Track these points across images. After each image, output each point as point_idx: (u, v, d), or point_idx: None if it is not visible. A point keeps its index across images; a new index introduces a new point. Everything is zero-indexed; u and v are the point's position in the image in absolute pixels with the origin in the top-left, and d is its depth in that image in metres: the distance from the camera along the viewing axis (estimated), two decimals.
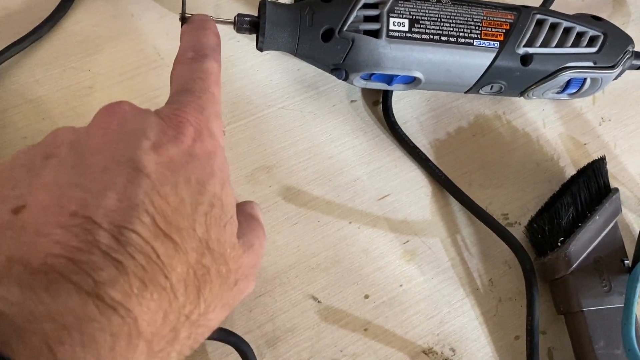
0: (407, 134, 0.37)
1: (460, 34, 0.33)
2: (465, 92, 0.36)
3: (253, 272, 0.24)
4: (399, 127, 0.37)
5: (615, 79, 0.37)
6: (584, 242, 0.32)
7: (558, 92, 0.37)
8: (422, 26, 0.32)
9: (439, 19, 0.33)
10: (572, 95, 0.37)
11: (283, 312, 0.32)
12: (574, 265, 0.32)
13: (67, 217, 0.18)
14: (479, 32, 0.33)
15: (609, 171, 0.38)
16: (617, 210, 0.34)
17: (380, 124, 0.38)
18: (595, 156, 0.38)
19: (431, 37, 0.32)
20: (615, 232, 0.34)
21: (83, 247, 0.17)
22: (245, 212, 0.25)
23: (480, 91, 0.36)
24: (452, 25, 0.33)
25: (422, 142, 0.38)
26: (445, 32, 0.32)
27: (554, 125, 0.40)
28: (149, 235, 0.18)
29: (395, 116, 0.37)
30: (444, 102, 0.39)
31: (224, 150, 0.23)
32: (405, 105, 0.38)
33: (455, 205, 0.36)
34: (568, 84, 0.36)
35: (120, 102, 0.21)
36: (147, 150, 0.19)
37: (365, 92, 0.38)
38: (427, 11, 0.33)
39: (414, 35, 0.32)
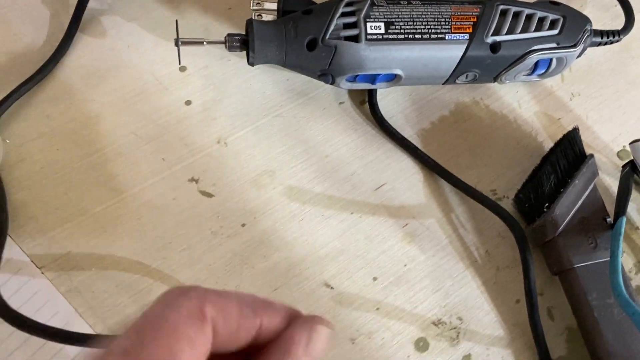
0: (394, 127, 0.40)
1: (432, 30, 0.36)
2: (443, 84, 0.39)
3: None
4: (387, 122, 0.40)
5: (579, 56, 0.40)
6: (568, 205, 0.35)
7: (528, 74, 0.40)
8: (397, 27, 0.35)
9: (411, 19, 0.36)
10: (541, 75, 0.41)
11: (300, 301, 0.34)
12: (561, 227, 0.35)
13: None
14: (449, 27, 0.36)
15: (584, 140, 0.41)
16: (595, 174, 0.37)
17: (368, 120, 0.41)
18: (570, 129, 0.41)
19: (406, 36, 0.35)
20: (595, 194, 0.37)
21: None
22: None
23: (457, 81, 0.39)
24: (424, 23, 0.36)
25: (409, 133, 0.40)
26: (418, 30, 0.36)
27: (529, 105, 0.43)
28: None
29: (382, 112, 0.40)
30: (424, 94, 0.42)
31: None
32: (390, 102, 0.41)
33: (447, 187, 0.39)
34: (536, 65, 0.39)
35: None
36: None
37: (352, 93, 0.41)
38: (400, 13, 0.36)
39: (391, 36, 0.35)
